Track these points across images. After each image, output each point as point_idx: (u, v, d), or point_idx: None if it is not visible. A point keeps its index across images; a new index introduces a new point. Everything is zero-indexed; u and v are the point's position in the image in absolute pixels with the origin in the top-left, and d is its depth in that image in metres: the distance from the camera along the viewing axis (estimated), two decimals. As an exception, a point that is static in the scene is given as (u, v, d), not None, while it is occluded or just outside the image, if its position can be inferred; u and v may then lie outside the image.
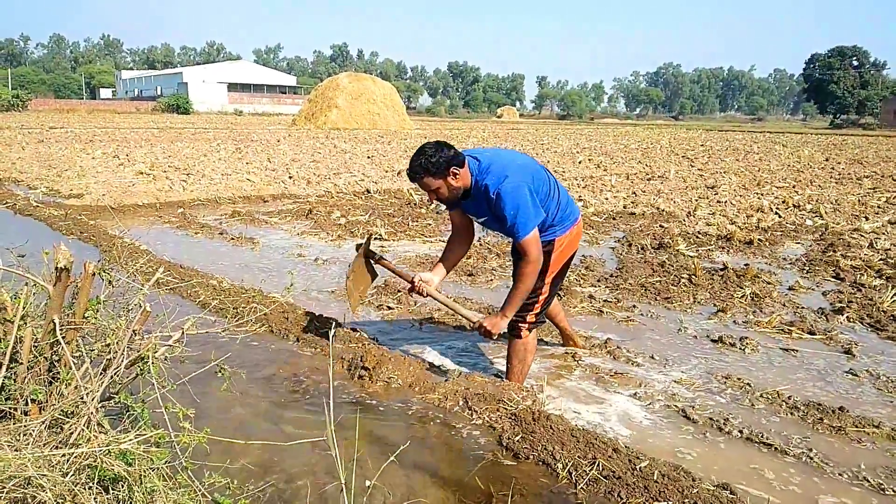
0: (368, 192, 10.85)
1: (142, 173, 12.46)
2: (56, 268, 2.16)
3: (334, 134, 30.93)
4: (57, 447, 1.86)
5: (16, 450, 1.74)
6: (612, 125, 66.86)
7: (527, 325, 3.34)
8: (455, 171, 2.97)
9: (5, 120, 36.42)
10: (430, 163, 2.93)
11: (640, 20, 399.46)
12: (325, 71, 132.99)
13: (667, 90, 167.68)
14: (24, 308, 2.20)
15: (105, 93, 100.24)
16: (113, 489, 1.84)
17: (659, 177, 13.81)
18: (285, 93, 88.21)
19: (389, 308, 4.80)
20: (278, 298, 4.39)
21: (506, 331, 3.28)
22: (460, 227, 3.48)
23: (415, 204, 9.56)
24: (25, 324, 2.22)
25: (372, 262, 3.62)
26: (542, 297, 3.31)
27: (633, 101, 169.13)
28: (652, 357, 3.95)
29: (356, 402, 3.19)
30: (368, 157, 17.35)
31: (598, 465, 2.57)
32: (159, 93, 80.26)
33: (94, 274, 2.33)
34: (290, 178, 12.42)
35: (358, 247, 3.59)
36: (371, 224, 7.90)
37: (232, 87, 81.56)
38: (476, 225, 3.48)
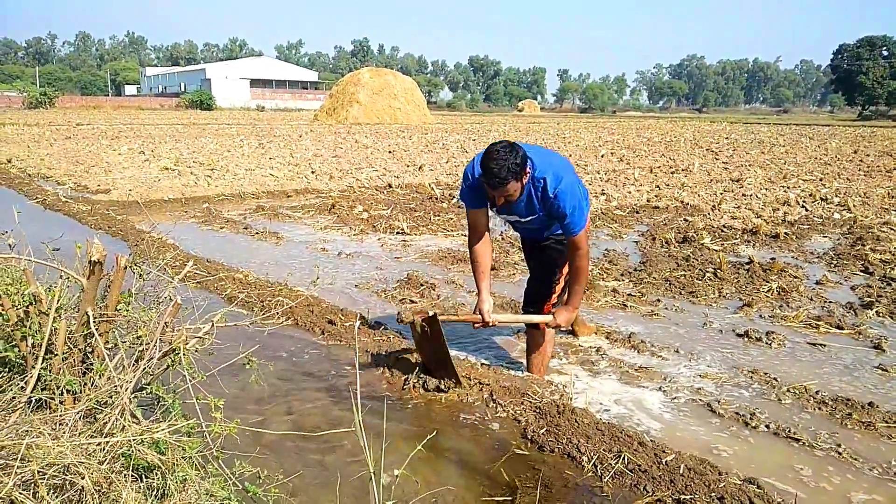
0: (390, 186, 10.89)
1: (167, 169, 12.62)
2: (89, 261, 2.20)
3: (356, 129, 31.04)
4: (92, 436, 1.91)
5: (54, 438, 1.79)
6: (635, 118, 66.23)
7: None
8: (528, 170, 2.91)
9: (34, 117, 37.07)
10: (517, 165, 2.81)
11: (663, 11, 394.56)
12: (346, 66, 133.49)
13: (690, 82, 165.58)
14: (58, 301, 2.25)
15: (130, 89, 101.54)
16: (147, 477, 1.89)
17: (683, 170, 13.67)
18: (307, 88, 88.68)
19: (412, 301, 4.82)
20: (303, 292, 4.44)
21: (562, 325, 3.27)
22: (483, 227, 3.30)
23: (436, 198, 9.57)
24: (60, 316, 2.27)
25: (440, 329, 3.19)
26: (558, 287, 3.38)
27: (656, 94, 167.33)
28: (677, 351, 3.93)
29: (382, 394, 3.21)
30: (390, 152, 17.40)
31: (624, 458, 2.56)
32: (183, 89, 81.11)
33: (125, 267, 2.38)
34: (313, 172, 12.50)
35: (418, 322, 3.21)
36: (393, 218, 7.93)
37: (254, 82, 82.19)
38: (495, 221, 3.48)
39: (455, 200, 9.33)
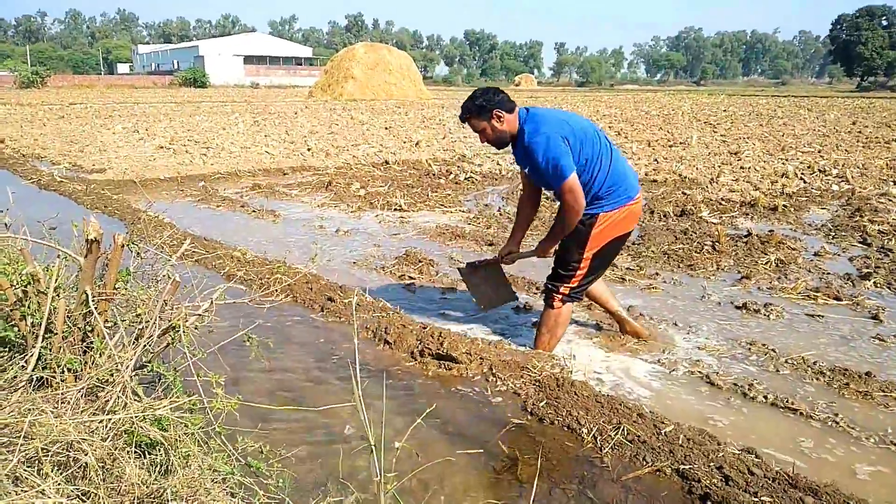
0: (387, 162, 10.83)
1: (162, 147, 12.54)
2: (86, 240, 2.19)
3: (351, 105, 30.81)
4: (94, 414, 1.91)
5: (57, 416, 1.79)
6: (633, 91, 65.83)
7: (560, 297, 3.32)
8: (499, 113, 3.13)
9: (26, 97, 36.71)
10: (475, 105, 3.16)
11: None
12: (341, 42, 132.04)
13: (688, 55, 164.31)
14: (56, 280, 2.24)
15: (122, 68, 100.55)
16: (150, 454, 1.90)
17: (681, 143, 13.62)
18: (301, 64, 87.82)
19: (411, 278, 4.82)
20: (302, 270, 4.43)
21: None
22: (525, 184, 3.59)
23: (434, 174, 9.53)
24: (59, 295, 2.26)
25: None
26: (579, 272, 3.27)
27: (654, 67, 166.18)
28: (675, 324, 3.94)
29: (382, 369, 3.23)
30: (386, 128, 17.29)
31: (623, 429, 2.58)
32: (176, 67, 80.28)
33: (123, 246, 2.36)
34: (309, 150, 12.43)
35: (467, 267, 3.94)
36: (390, 195, 7.90)
37: (248, 59, 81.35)
38: None
39: (452, 177, 9.29)
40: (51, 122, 18.47)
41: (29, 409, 1.76)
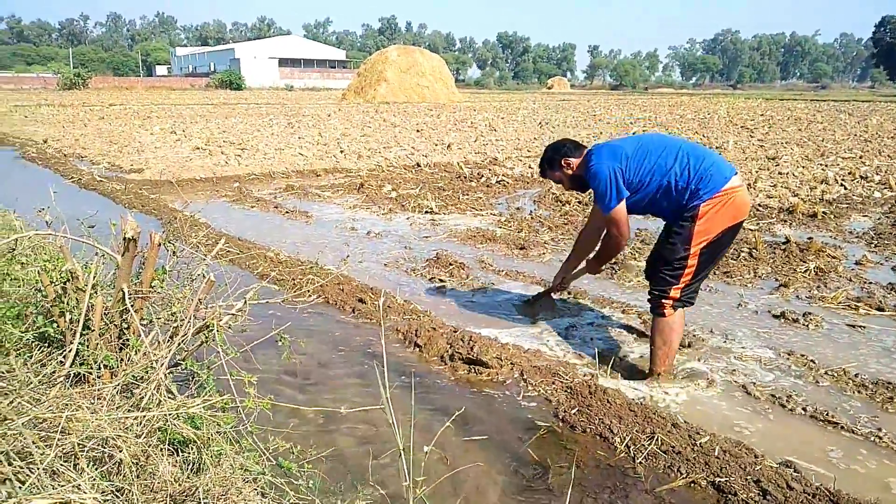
0: (418, 165, 10.85)
1: (198, 148, 12.75)
2: (124, 238, 2.23)
3: (383, 108, 30.98)
4: (129, 410, 1.94)
5: (93, 412, 1.82)
6: (667, 95, 64.96)
7: (671, 302, 3.12)
8: (566, 161, 3.38)
9: (68, 98, 37.69)
10: (545, 160, 3.49)
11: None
12: (374, 44, 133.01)
13: (724, 58, 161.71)
14: (94, 277, 2.28)
15: (161, 70, 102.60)
16: (182, 451, 1.91)
17: (717, 148, 13.39)
18: (334, 67, 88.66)
19: (442, 281, 4.81)
20: (333, 271, 4.46)
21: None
22: (595, 217, 3.70)
23: (465, 177, 9.52)
24: (96, 292, 2.30)
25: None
26: (688, 270, 3.07)
27: (689, 70, 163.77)
28: (711, 332, 3.86)
29: (411, 372, 3.22)
30: (418, 131, 17.33)
31: (657, 439, 2.53)
32: (212, 69, 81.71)
33: (159, 244, 2.40)
34: (342, 152, 12.51)
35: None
36: (422, 197, 7.91)
37: (282, 62, 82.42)
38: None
39: (483, 180, 9.27)
40: (91, 123, 18.92)
41: (66, 405, 1.79)
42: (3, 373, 2.09)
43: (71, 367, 2.18)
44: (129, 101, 34.31)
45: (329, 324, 3.86)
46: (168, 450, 1.88)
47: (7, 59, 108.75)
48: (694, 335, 3.80)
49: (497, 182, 9.16)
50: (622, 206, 3.14)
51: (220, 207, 7.55)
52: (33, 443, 1.56)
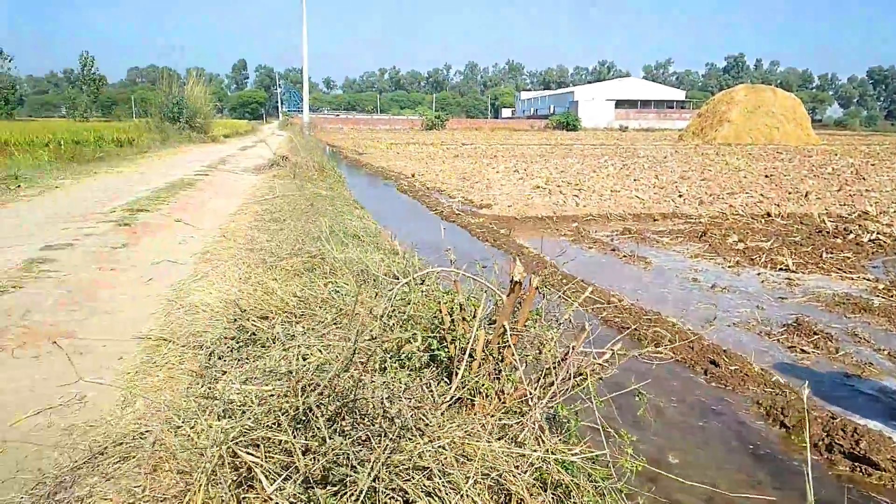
0: (769, 215, 9.92)
1: (538, 187, 13.51)
2: (511, 280, 2.42)
3: (724, 149, 29.18)
4: (509, 444, 2.08)
5: (487, 442, 1.99)
6: None
7: None
8: None
9: (429, 137, 43.38)
10: None
11: None
12: (717, 84, 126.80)
13: None
14: (481, 311, 2.52)
15: (506, 112, 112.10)
16: (552, 491, 1.98)
17: None
18: (672, 108, 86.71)
19: (804, 351, 4.27)
20: (677, 324, 4.28)
21: None
22: None
23: (827, 232, 8.40)
24: (481, 325, 2.54)
25: None
26: None
27: None
28: None
29: (777, 455, 2.88)
30: (766, 176, 15.90)
31: None
32: (552, 111, 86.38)
33: (536, 288, 2.56)
34: (680, 196, 12.09)
35: None
36: (775, 252, 7.19)
37: (619, 103, 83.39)
38: None
39: (851, 237, 8.06)
40: (448, 161, 21.41)
41: (467, 433, 1.99)
42: (406, 386, 2.43)
43: (455, 390, 2.43)
44: (478, 141, 38.08)
45: (680, 383, 3.69)
46: (538, 489, 1.96)
47: (386, 104, 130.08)
48: None
49: (870, 241, 7.89)
50: None
51: (560, 246, 7.84)
52: (446, 463, 1.76)
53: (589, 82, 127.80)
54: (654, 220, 9.86)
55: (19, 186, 9.70)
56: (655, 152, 26.66)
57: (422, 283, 2.67)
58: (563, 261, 6.32)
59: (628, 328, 4.33)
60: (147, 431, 2.06)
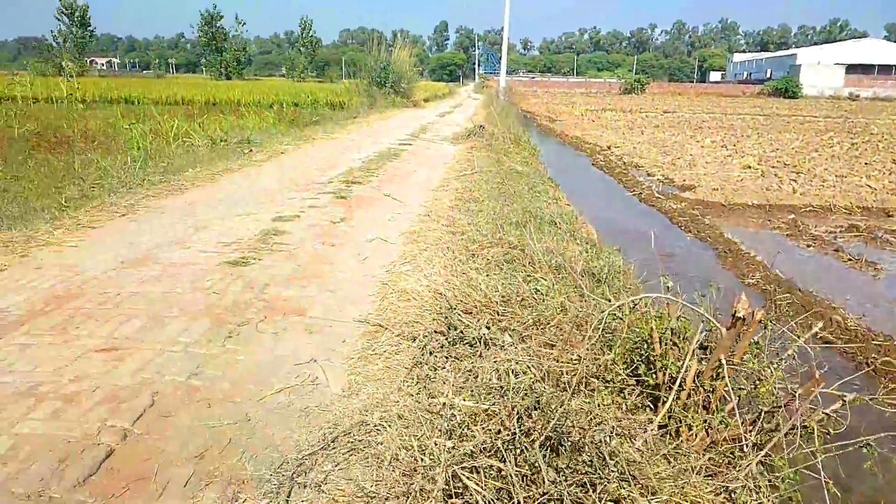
0: None
1: (748, 167, 12.45)
2: (733, 315, 2.31)
3: None
4: (716, 487, 2.02)
5: (687, 478, 1.95)
6: None
7: None
8: None
9: (627, 102, 41.52)
10: None
11: None
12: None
13: None
14: (696, 342, 2.44)
15: (714, 76, 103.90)
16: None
17: None
18: (920, 72, 74.70)
19: None
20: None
21: None
22: None
23: None
24: (694, 355, 2.46)
25: None
26: None
27: None
28: None
29: None
30: None
31: None
32: (768, 76, 78.55)
33: (759, 321, 2.41)
34: (925, 187, 10.50)
35: None
36: None
37: (851, 68, 73.42)
38: None
39: None
40: (647, 131, 20.40)
41: (660, 457, 1.96)
42: (604, 406, 2.44)
43: (660, 418, 2.39)
44: (681, 108, 35.77)
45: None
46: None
47: (583, 66, 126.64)
48: None
49: None
50: None
51: (772, 241, 7.23)
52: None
53: (815, 43, 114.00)
54: (889, 216, 8.69)
55: (251, 150, 10.90)
56: (894, 128, 23.27)
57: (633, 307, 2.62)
58: (775, 263, 5.82)
59: (851, 353, 3.93)
60: (374, 426, 2.28)
